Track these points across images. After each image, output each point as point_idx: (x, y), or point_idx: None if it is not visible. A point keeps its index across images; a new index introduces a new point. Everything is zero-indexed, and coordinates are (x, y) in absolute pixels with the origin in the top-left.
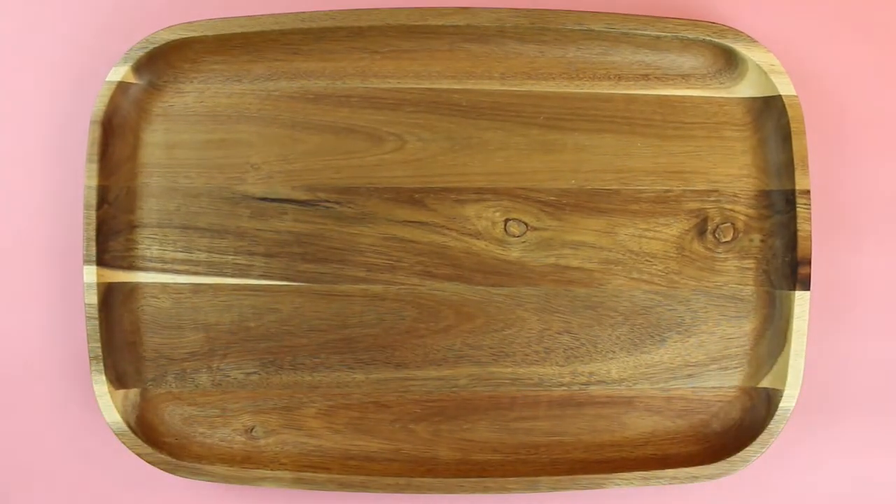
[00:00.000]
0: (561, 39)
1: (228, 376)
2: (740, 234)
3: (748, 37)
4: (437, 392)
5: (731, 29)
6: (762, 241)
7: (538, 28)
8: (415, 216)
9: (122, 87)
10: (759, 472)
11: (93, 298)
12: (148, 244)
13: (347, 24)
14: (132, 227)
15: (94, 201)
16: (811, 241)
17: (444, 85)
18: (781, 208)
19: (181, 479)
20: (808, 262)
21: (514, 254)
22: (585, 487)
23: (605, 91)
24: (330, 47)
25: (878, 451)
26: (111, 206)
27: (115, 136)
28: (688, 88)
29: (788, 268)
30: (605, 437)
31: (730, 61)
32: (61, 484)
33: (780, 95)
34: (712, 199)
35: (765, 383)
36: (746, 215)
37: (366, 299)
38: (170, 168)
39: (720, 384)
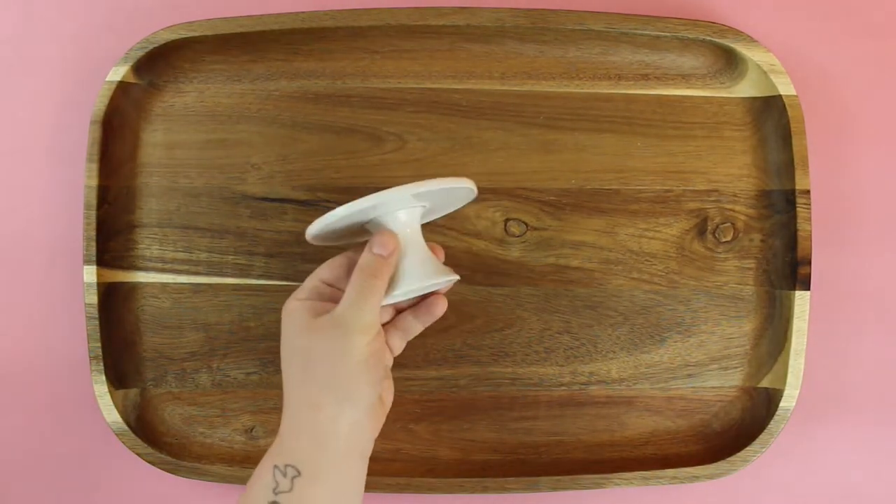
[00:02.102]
0: (561, 39)
1: (228, 376)
2: (740, 234)
3: (748, 37)
4: (437, 392)
5: (731, 29)
6: (762, 240)
7: (538, 28)
8: None
9: (122, 87)
10: (759, 472)
11: (93, 298)
12: (148, 244)
13: (347, 24)
14: (132, 227)
15: (94, 201)
16: (811, 241)
17: (444, 85)
18: (781, 208)
19: (181, 479)
20: (808, 262)
21: (514, 254)
22: (585, 487)
23: (605, 91)
24: (330, 47)
25: (878, 451)
26: (111, 206)
27: (115, 136)
28: (688, 88)
29: (788, 268)
30: (605, 437)
31: (730, 61)
32: (61, 484)
33: (780, 95)
34: (712, 199)
35: (765, 383)
36: (746, 215)
37: None
38: (170, 168)
39: (720, 384)
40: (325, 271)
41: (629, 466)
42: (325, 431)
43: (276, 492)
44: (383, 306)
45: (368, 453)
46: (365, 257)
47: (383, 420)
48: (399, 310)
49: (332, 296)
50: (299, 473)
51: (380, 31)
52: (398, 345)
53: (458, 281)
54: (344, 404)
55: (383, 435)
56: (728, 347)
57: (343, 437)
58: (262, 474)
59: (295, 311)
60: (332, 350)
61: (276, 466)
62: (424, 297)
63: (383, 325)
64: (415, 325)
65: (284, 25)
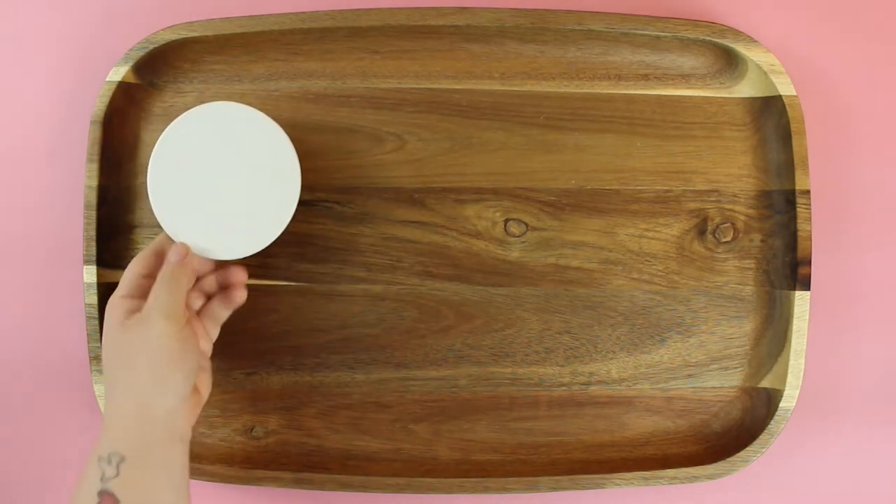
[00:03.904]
0: (561, 39)
1: (229, 376)
2: (740, 234)
3: (748, 37)
4: (437, 392)
5: (731, 29)
6: (762, 241)
7: (538, 28)
8: (415, 216)
9: (122, 87)
10: (759, 472)
11: (93, 298)
12: (148, 244)
13: (347, 24)
14: (132, 227)
15: (94, 201)
16: (811, 241)
17: (444, 85)
18: (781, 208)
19: None
20: (808, 262)
21: (514, 254)
22: (585, 487)
23: (605, 91)
24: (330, 47)
25: (878, 451)
26: (111, 206)
27: (115, 136)
28: (688, 88)
29: (788, 268)
30: (605, 437)
31: (730, 61)
32: (61, 484)
33: (780, 95)
34: (712, 199)
35: (765, 383)
36: (746, 215)
37: (366, 299)
38: None
39: (720, 384)
40: (138, 264)
41: (629, 466)
42: (143, 417)
43: (103, 479)
44: (194, 294)
45: (188, 438)
46: (166, 263)
47: (200, 408)
48: (208, 297)
49: (148, 289)
50: (124, 459)
51: (380, 31)
52: (213, 330)
53: (459, 281)
54: (158, 392)
55: (383, 435)
56: (728, 347)
57: (160, 421)
58: (88, 469)
59: (113, 309)
60: (145, 343)
61: (100, 458)
62: (226, 287)
63: (197, 313)
64: (221, 312)
65: (284, 25)
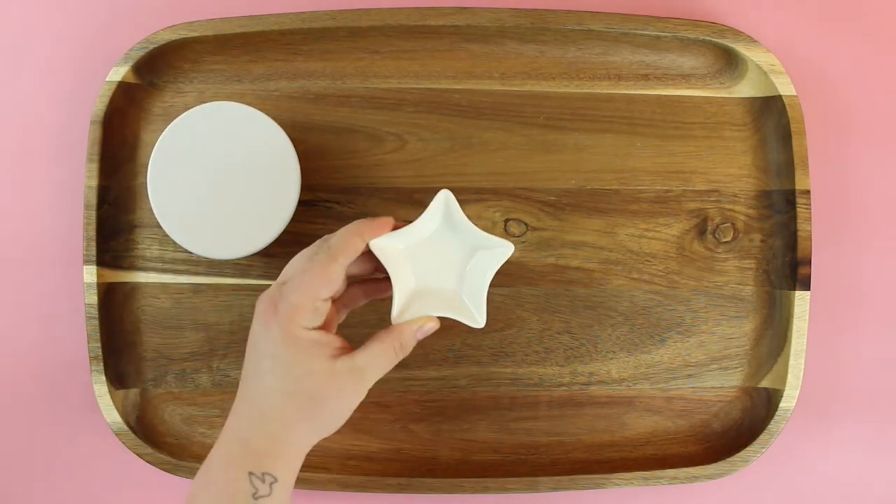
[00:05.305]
0: (561, 39)
1: (228, 376)
2: (740, 234)
3: (748, 37)
4: (437, 392)
5: (731, 29)
6: (762, 241)
7: (538, 28)
8: (415, 216)
9: (122, 87)
10: (759, 472)
11: (93, 298)
12: (148, 244)
13: (347, 24)
14: (132, 227)
15: (94, 201)
16: (811, 241)
17: (444, 85)
18: (781, 208)
19: (181, 479)
20: (808, 262)
21: (514, 254)
22: (585, 487)
23: (605, 91)
24: (330, 47)
25: (877, 451)
26: (111, 206)
27: (115, 136)
28: (688, 88)
29: (788, 268)
30: (605, 437)
31: (730, 61)
32: (61, 484)
33: (780, 95)
34: (712, 199)
35: (765, 383)
36: (746, 215)
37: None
38: None
39: (720, 384)
40: (321, 288)
41: (629, 466)
42: (302, 449)
43: (256, 497)
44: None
45: None
46: (407, 335)
47: None
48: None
49: (330, 320)
50: (277, 480)
51: (380, 31)
52: (342, 316)
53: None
54: (322, 434)
55: (383, 435)
56: (728, 347)
57: (303, 456)
58: (237, 479)
59: (310, 346)
60: (350, 395)
61: (252, 474)
62: (379, 279)
63: (333, 302)
64: (360, 299)
65: (284, 25)
